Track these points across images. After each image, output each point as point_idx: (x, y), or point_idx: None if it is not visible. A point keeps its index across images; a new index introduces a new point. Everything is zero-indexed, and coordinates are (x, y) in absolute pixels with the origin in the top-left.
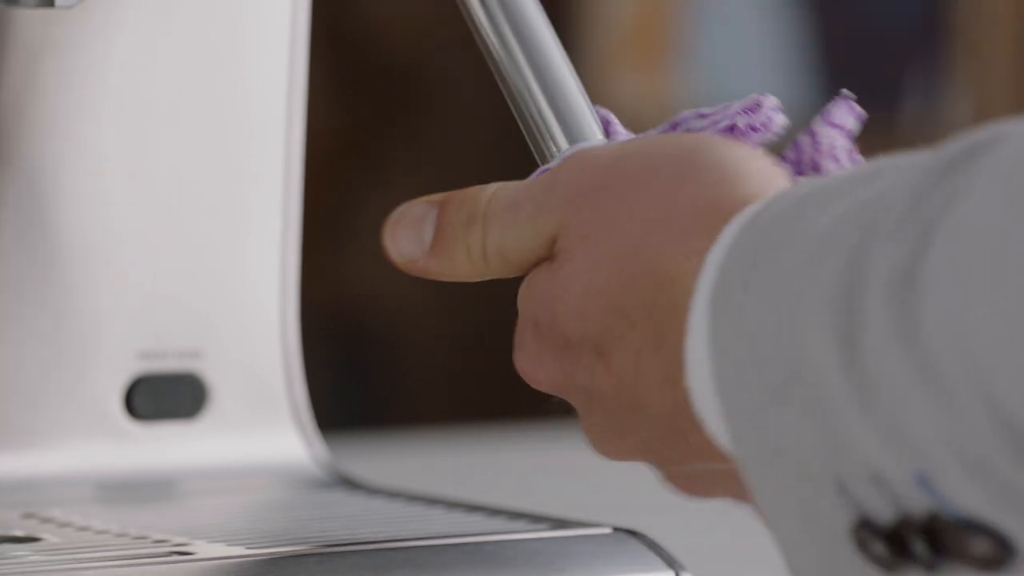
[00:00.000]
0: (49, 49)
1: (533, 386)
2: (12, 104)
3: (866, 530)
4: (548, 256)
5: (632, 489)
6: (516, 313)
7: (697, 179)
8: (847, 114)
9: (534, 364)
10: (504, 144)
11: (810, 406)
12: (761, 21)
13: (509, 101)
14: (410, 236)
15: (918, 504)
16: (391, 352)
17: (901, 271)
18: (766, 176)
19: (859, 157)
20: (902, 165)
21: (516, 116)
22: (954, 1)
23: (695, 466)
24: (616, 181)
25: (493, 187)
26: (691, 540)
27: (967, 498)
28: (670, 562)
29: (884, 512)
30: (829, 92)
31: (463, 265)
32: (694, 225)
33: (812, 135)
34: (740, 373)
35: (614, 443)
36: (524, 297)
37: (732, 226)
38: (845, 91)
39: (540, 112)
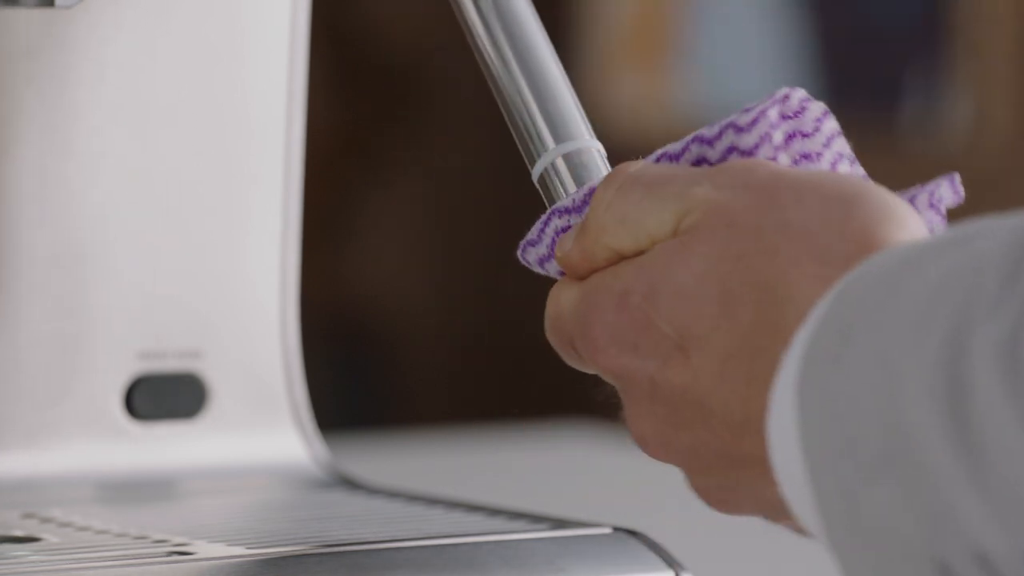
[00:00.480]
0: (49, 49)
1: (593, 361)
2: (12, 104)
3: None
4: (664, 237)
5: (632, 489)
6: (515, 314)
7: (859, 208)
8: (951, 195)
9: (609, 336)
10: (504, 144)
11: (911, 482)
12: (761, 21)
13: (497, 98)
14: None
15: None
16: (391, 352)
17: (1008, 346)
18: (919, 234)
19: None
20: (992, 229)
21: (504, 113)
22: (954, 1)
23: (737, 486)
24: (783, 186)
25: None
26: (691, 540)
27: None
28: (670, 562)
29: None
30: (829, 92)
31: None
32: (836, 251)
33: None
34: (831, 443)
35: (661, 440)
36: (624, 269)
37: (841, 283)
38: (954, 176)
39: (527, 109)
